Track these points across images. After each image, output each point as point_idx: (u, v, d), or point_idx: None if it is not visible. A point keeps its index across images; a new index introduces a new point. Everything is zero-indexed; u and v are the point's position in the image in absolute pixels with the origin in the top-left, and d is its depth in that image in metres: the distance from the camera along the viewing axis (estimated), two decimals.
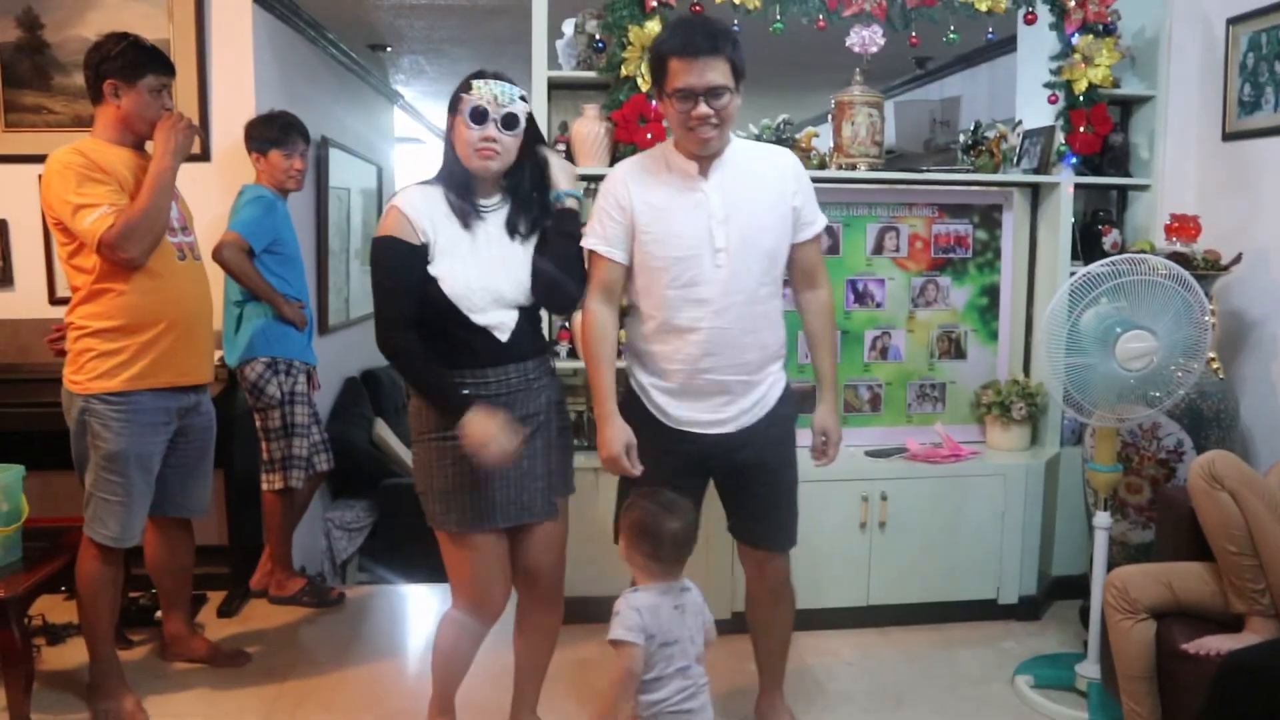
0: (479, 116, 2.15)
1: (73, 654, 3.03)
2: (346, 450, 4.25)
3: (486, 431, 2.11)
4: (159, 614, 3.15)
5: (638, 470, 2.31)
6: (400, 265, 2.16)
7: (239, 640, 3.23)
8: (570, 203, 2.31)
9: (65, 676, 2.94)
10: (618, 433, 2.31)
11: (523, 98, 2.20)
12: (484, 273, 2.21)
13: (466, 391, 2.19)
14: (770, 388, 2.42)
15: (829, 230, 3.42)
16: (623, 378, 2.48)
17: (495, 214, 2.27)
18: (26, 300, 3.69)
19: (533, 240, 2.29)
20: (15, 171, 3.59)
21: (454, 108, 2.20)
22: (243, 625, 3.37)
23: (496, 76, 2.19)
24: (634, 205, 2.30)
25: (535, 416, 2.29)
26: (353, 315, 5.48)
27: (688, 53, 2.17)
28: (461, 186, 2.23)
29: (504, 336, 2.23)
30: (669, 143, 2.37)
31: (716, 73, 2.18)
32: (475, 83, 2.17)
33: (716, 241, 2.26)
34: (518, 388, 2.26)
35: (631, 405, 2.44)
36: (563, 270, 2.28)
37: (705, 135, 2.23)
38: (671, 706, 2.06)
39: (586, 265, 2.37)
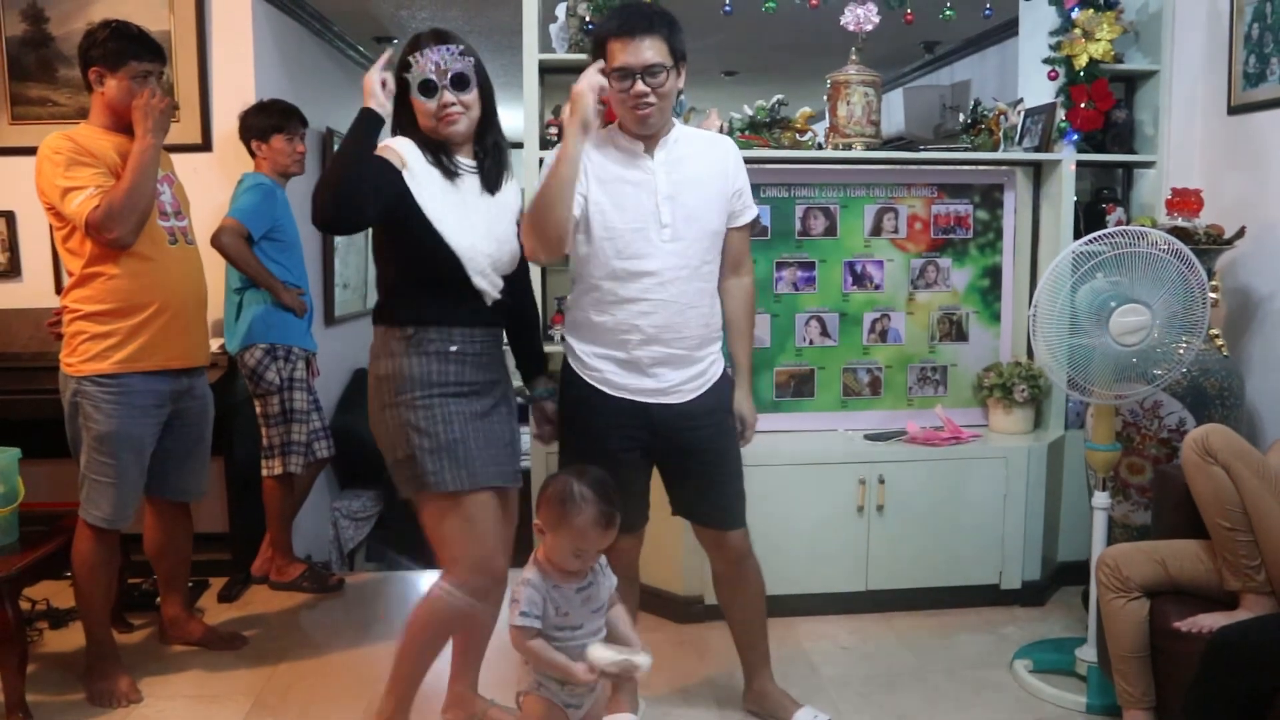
0: (428, 88, 2.17)
1: (74, 638, 3.05)
2: (353, 440, 4.26)
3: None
4: (160, 599, 3.18)
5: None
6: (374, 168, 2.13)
7: (239, 624, 3.25)
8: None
9: (65, 659, 2.98)
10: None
11: (463, 52, 2.19)
12: (480, 232, 2.24)
13: (455, 349, 2.22)
14: (711, 365, 2.45)
15: (825, 211, 3.42)
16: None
17: (473, 174, 2.28)
18: (34, 290, 3.75)
19: (508, 194, 2.32)
20: (22, 163, 3.59)
21: (401, 73, 2.21)
22: (243, 610, 3.40)
23: (438, 37, 2.19)
24: (589, 171, 2.33)
25: (499, 384, 2.33)
26: (368, 306, 5.55)
27: (623, 33, 2.26)
28: (436, 146, 2.24)
29: (489, 301, 2.28)
30: (613, 125, 2.42)
31: (652, 51, 2.25)
32: (412, 57, 2.17)
33: (663, 217, 2.32)
34: (484, 351, 2.29)
35: (570, 380, 2.45)
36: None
37: (643, 113, 2.29)
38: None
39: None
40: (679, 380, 2.38)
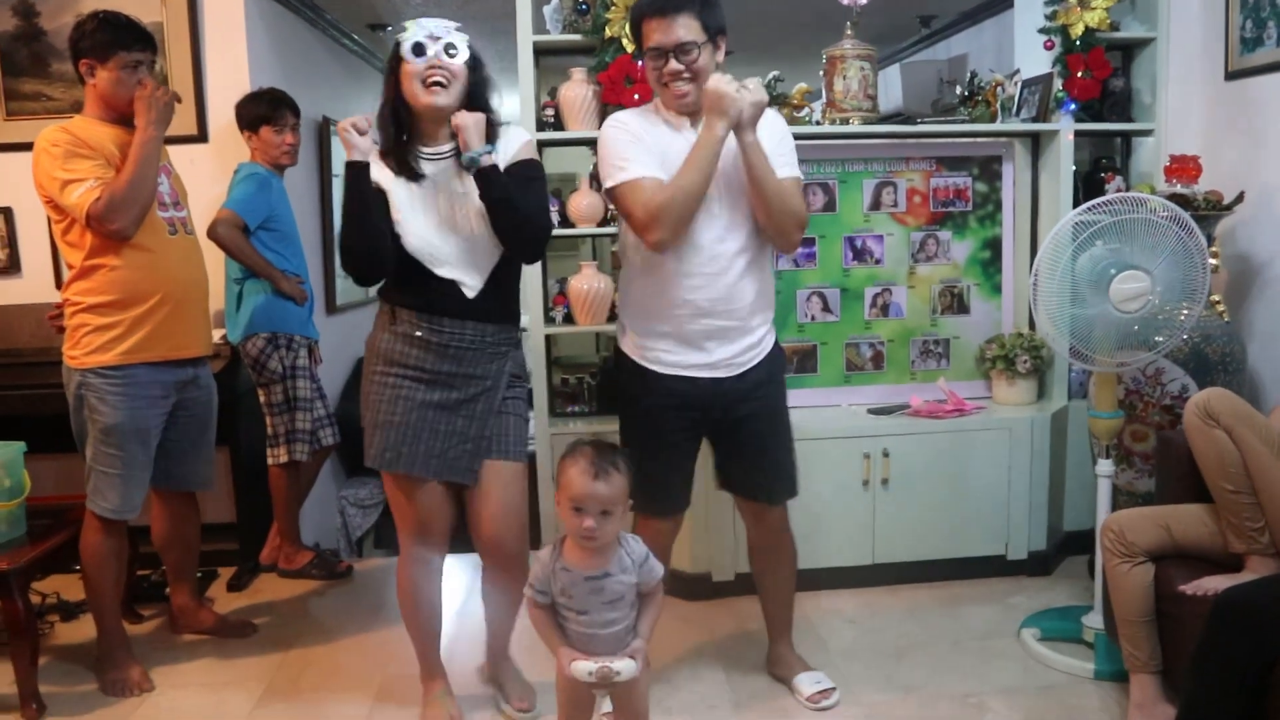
0: (419, 49, 2.19)
1: (85, 629, 3.06)
2: (358, 427, 4.26)
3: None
4: (169, 589, 3.19)
5: None
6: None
7: (248, 613, 3.27)
8: (487, 160, 2.20)
9: (76, 650, 2.99)
10: None
11: (459, 29, 2.22)
12: (443, 225, 2.25)
13: (419, 334, 2.27)
14: (763, 337, 2.45)
15: (824, 186, 3.41)
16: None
17: (445, 162, 2.28)
18: (33, 286, 3.75)
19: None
20: (19, 159, 3.60)
21: (393, 60, 2.23)
22: (252, 598, 3.41)
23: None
24: (644, 140, 2.33)
25: (481, 380, 2.32)
26: (370, 295, 5.55)
27: (655, 11, 2.27)
28: (402, 140, 2.26)
29: (470, 293, 2.28)
30: (657, 101, 2.41)
31: (685, 29, 2.26)
32: (407, 23, 2.21)
33: (710, 190, 2.30)
34: (471, 345, 2.30)
35: (622, 362, 2.48)
36: (529, 207, 2.26)
37: (679, 90, 2.30)
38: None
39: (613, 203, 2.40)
40: (731, 354, 2.39)
